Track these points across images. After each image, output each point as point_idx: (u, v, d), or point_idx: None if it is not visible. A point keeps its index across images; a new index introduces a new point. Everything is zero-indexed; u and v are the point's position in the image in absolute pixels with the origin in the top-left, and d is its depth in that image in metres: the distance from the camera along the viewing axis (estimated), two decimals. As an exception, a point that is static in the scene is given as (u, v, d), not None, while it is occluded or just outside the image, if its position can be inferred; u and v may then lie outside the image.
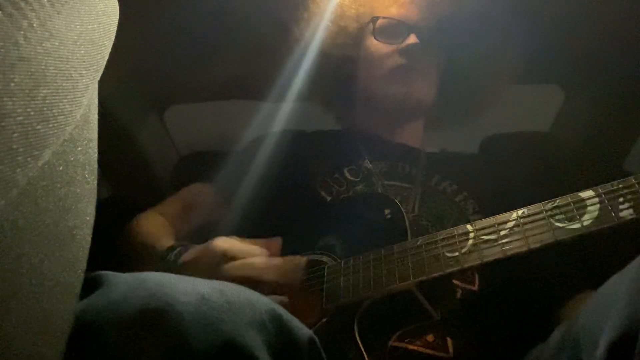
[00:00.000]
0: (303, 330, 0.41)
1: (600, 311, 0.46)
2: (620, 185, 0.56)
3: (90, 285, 0.35)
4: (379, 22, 0.86)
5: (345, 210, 0.78)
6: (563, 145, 1.15)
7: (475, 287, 0.72)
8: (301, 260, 0.68)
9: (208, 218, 0.87)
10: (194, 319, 0.34)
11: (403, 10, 0.86)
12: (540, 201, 0.61)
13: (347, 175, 0.84)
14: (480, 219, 0.63)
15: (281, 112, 0.95)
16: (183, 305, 0.34)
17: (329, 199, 0.81)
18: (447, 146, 0.99)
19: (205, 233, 0.77)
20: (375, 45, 0.87)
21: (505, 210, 0.62)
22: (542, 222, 0.58)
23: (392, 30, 0.86)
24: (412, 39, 0.84)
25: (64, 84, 0.26)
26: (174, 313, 0.34)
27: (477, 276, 0.74)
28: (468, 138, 1.09)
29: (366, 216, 0.74)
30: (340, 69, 0.89)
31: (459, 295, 0.69)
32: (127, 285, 0.35)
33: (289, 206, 0.82)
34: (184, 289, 0.36)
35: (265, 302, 0.39)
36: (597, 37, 0.96)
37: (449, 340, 0.68)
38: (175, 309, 0.34)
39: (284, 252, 0.72)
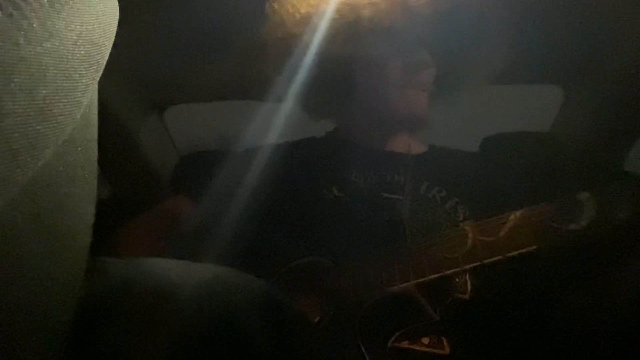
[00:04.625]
0: (296, 313, 0.41)
1: (599, 313, 0.46)
2: (617, 187, 0.56)
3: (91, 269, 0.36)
4: (396, 32, 0.81)
5: (344, 213, 0.78)
6: (563, 145, 1.15)
7: (467, 296, 0.72)
8: None
9: (186, 231, 0.84)
10: (192, 302, 0.35)
11: (415, 21, 0.83)
12: (539, 201, 0.61)
13: (335, 192, 0.83)
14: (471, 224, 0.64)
15: (281, 113, 0.94)
16: (182, 289, 0.35)
17: (325, 204, 0.81)
18: (437, 141, 0.97)
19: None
20: (387, 56, 0.83)
21: (497, 213, 0.63)
22: (540, 223, 0.59)
23: (405, 42, 0.83)
24: (427, 57, 0.82)
25: (64, 84, 0.26)
26: (174, 296, 0.34)
27: (469, 284, 0.73)
28: (463, 137, 1.08)
29: (365, 218, 0.74)
30: (341, 74, 0.86)
31: (448, 302, 0.69)
32: (127, 270, 0.36)
33: (285, 213, 0.81)
34: (183, 272, 0.36)
35: (260, 284, 0.40)
36: (597, 37, 0.96)
37: (444, 339, 0.68)
38: (174, 293, 0.34)
39: (283, 255, 0.73)
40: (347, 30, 0.81)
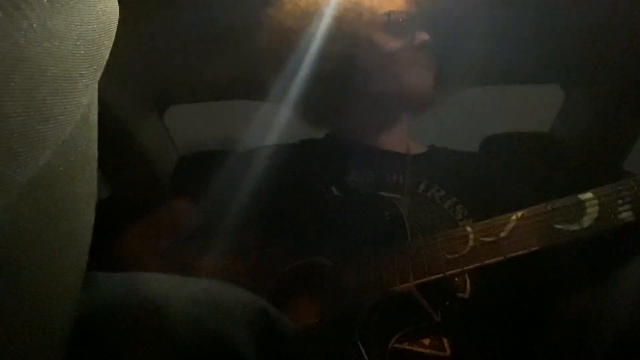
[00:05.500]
0: (289, 326, 0.41)
1: (600, 312, 0.46)
2: (620, 187, 0.56)
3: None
4: (396, 17, 0.86)
5: (344, 213, 0.78)
6: (563, 145, 1.15)
7: (466, 295, 0.72)
8: None
9: (190, 234, 0.85)
10: (183, 319, 0.34)
11: (413, 6, 0.86)
12: (539, 201, 0.61)
13: (335, 191, 0.83)
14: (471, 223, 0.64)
15: (281, 114, 0.94)
16: (172, 307, 0.35)
17: (324, 203, 0.81)
18: (437, 142, 0.98)
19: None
20: (389, 41, 0.86)
21: (497, 213, 0.63)
22: (542, 223, 0.58)
23: (405, 26, 0.86)
24: (424, 35, 0.85)
25: (64, 84, 0.26)
26: (164, 314, 0.34)
27: (468, 283, 0.73)
28: (463, 137, 1.08)
29: (365, 218, 0.74)
30: (342, 64, 0.87)
31: (448, 303, 0.69)
32: (118, 286, 0.35)
33: (284, 213, 0.81)
34: (174, 289, 0.36)
35: (252, 299, 0.40)
36: (597, 37, 0.95)
37: (445, 340, 0.68)
38: (165, 311, 0.34)
39: (283, 256, 0.72)
40: (349, 16, 0.83)
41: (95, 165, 0.32)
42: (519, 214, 0.61)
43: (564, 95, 1.16)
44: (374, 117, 0.91)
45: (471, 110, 1.20)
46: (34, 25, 0.23)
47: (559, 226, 0.57)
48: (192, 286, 0.38)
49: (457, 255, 0.61)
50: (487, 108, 1.21)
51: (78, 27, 0.27)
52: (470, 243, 0.61)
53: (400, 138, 0.93)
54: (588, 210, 0.56)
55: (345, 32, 0.83)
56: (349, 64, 0.85)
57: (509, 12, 0.89)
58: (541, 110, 1.22)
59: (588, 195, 0.58)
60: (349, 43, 0.84)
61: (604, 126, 1.10)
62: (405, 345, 0.66)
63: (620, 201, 0.55)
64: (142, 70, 1.06)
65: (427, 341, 0.67)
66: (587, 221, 0.56)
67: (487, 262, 0.59)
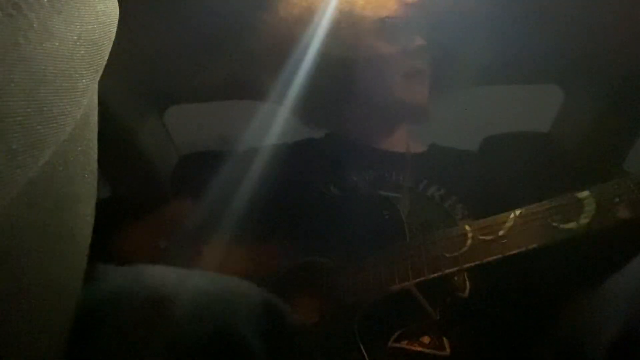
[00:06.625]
0: (296, 320, 0.41)
1: (600, 311, 0.46)
2: (616, 186, 0.56)
3: (86, 277, 0.36)
4: (391, 23, 0.84)
5: (344, 212, 0.78)
6: (563, 145, 1.15)
7: (466, 294, 0.72)
8: None
9: (190, 233, 0.85)
10: (189, 311, 0.34)
11: (408, 10, 0.85)
12: (539, 201, 0.61)
13: (334, 190, 0.83)
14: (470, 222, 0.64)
15: (280, 114, 0.94)
16: (178, 298, 0.35)
17: (323, 202, 0.81)
18: (438, 141, 0.98)
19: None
20: (385, 47, 0.85)
21: (497, 212, 0.63)
22: (540, 222, 0.59)
23: (400, 31, 0.85)
24: (420, 41, 0.84)
25: (64, 84, 0.26)
26: (170, 305, 0.34)
27: (467, 282, 0.73)
28: (463, 137, 1.08)
29: (365, 217, 0.74)
30: (338, 71, 0.86)
31: (447, 301, 0.69)
32: (123, 278, 0.36)
33: (284, 213, 0.81)
34: (179, 281, 0.36)
35: (258, 292, 0.40)
36: (597, 37, 0.96)
37: (445, 340, 0.68)
38: (170, 302, 0.34)
39: (283, 256, 0.73)
40: (342, 23, 0.83)
41: (95, 165, 0.32)
42: (517, 212, 0.61)
43: (564, 95, 1.16)
44: (373, 120, 0.91)
45: (471, 110, 1.20)
46: (34, 25, 0.24)
47: (556, 224, 0.57)
48: (198, 278, 0.38)
49: (456, 254, 0.61)
50: (487, 108, 1.21)
51: (78, 27, 0.27)
52: (469, 241, 0.61)
53: (400, 137, 0.93)
54: (585, 208, 0.57)
55: (341, 37, 0.83)
56: (346, 69, 0.85)
57: (509, 11, 0.89)
58: (541, 110, 1.22)
59: (585, 193, 0.58)
60: (345, 48, 0.83)
61: (604, 126, 1.10)
62: (405, 344, 0.66)
63: (617, 199, 0.55)
64: (142, 70, 1.06)
65: (427, 340, 0.67)
66: (584, 219, 0.56)
67: (485, 260, 0.59)
